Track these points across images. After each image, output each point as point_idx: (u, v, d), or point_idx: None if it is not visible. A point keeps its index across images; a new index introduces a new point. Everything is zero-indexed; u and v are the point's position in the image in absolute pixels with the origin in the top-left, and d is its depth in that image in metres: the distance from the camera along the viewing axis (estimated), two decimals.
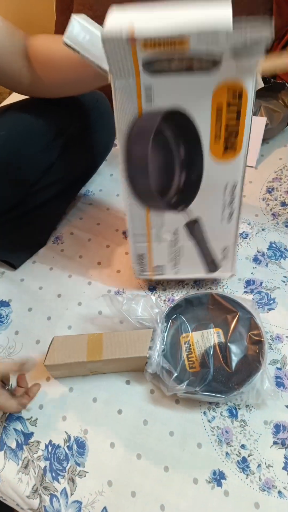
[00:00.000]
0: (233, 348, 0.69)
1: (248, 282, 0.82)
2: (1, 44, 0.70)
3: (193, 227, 0.69)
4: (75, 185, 1.02)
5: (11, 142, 0.82)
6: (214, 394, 0.64)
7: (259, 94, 1.11)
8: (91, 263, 0.91)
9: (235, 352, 0.69)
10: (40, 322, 0.82)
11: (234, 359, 0.68)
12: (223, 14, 0.48)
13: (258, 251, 0.87)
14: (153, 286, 0.85)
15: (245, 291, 0.81)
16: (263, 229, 0.91)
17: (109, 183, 1.07)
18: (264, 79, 1.11)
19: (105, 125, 0.97)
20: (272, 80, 1.11)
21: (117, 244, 0.94)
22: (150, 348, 0.67)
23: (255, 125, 1.05)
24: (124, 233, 0.95)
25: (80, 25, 0.61)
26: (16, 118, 0.84)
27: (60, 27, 1.42)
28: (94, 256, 0.92)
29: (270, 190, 0.99)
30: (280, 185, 0.99)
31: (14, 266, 0.91)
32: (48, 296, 0.86)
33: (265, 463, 0.62)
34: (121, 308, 0.73)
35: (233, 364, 0.67)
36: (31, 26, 1.77)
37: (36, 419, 0.69)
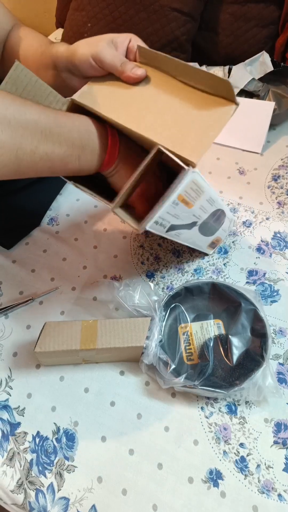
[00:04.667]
0: (235, 341, 0.65)
1: (251, 273, 0.78)
2: None
3: None
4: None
5: None
6: (213, 389, 0.60)
7: (268, 78, 1.06)
8: (87, 246, 0.87)
9: (237, 346, 0.65)
10: (31, 306, 0.77)
11: (236, 353, 0.64)
12: None
13: (262, 241, 0.83)
14: (151, 272, 0.81)
15: (247, 282, 0.77)
16: (267, 218, 0.87)
17: None
18: (274, 62, 1.06)
19: None
20: (282, 64, 1.06)
21: (115, 227, 0.89)
22: (147, 337, 0.63)
23: (262, 110, 1.01)
24: None
25: None
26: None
27: (61, 12, 1.38)
28: (90, 239, 0.88)
29: (276, 178, 0.94)
30: (286, 173, 0.95)
31: (6, 247, 0.87)
32: (41, 279, 0.82)
33: (265, 464, 0.59)
34: (117, 294, 0.69)
35: (234, 358, 0.64)
36: (32, 10, 1.73)
37: (24, 408, 0.66)
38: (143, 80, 0.59)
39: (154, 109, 0.55)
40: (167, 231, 0.59)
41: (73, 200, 0.96)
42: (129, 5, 1.11)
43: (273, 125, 1.03)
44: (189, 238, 0.69)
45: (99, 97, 0.58)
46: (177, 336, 0.68)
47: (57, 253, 0.86)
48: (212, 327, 0.68)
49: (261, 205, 0.90)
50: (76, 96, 0.58)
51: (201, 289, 0.72)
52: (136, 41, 0.60)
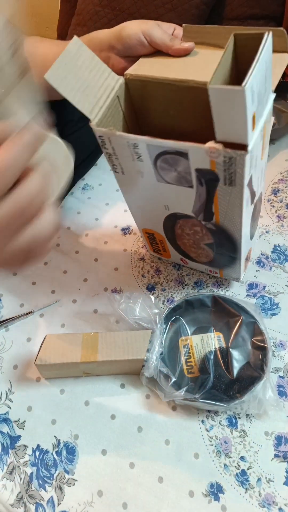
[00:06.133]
0: (235, 354, 0.65)
1: (251, 286, 0.79)
2: None
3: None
4: (73, 175, 0.98)
5: None
6: (214, 402, 0.60)
7: None
8: (87, 259, 0.87)
9: (237, 359, 0.65)
10: (32, 319, 0.78)
11: (236, 366, 0.64)
12: None
13: (261, 254, 0.84)
14: (152, 285, 0.81)
15: (247, 295, 0.77)
16: (267, 231, 0.88)
17: (109, 178, 1.04)
18: None
19: None
20: (281, 79, 1.08)
21: (116, 240, 0.90)
22: (147, 350, 0.63)
23: None
24: (123, 230, 0.92)
25: None
26: None
27: (64, 15, 1.40)
28: (91, 252, 0.88)
29: (275, 192, 0.95)
30: (285, 187, 0.96)
31: None
32: (42, 292, 0.82)
33: (266, 477, 0.58)
34: (118, 307, 0.69)
35: (235, 371, 0.64)
36: (35, 15, 1.76)
37: (24, 421, 0.66)
38: (191, 53, 0.59)
39: (209, 69, 0.55)
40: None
41: (74, 213, 0.97)
42: None
43: (272, 140, 1.05)
44: (246, 222, 0.62)
45: (153, 69, 0.58)
46: (178, 349, 0.68)
47: (58, 266, 0.86)
48: (212, 340, 0.68)
49: (261, 219, 0.90)
50: (130, 71, 0.58)
51: (202, 302, 0.72)
52: (180, 31, 0.61)
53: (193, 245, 0.71)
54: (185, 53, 0.59)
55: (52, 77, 0.48)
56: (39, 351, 0.63)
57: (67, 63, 0.49)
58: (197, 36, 0.60)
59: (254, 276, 0.80)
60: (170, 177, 0.56)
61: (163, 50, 0.59)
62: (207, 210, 0.59)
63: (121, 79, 0.57)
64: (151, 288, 0.81)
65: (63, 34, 1.44)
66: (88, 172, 1.05)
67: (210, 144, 0.47)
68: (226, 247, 0.66)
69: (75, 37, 0.51)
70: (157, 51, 0.61)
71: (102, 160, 1.07)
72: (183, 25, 0.61)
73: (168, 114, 0.61)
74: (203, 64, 0.57)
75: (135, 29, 0.59)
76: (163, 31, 0.59)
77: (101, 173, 1.05)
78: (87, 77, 0.52)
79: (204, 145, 0.47)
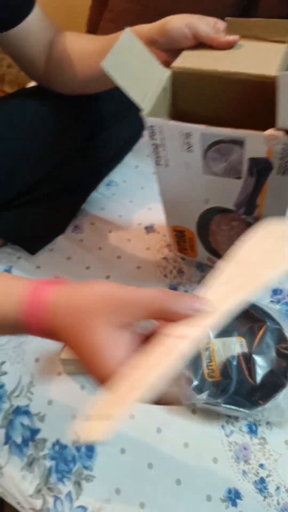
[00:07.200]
0: (259, 360, 0.65)
1: (275, 291, 0.78)
2: (33, 32, 0.71)
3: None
4: (99, 173, 0.99)
5: (37, 121, 0.79)
6: (237, 408, 0.60)
7: None
8: (110, 256, 0.87)
9: (261, 365, 0.65)
10: None
11: (259, 372, 0.64)
12: None
13: None
14: (174, 286, 0.81)
15: (271, 301, 0.77)
16: None
17: (134, 175, 1.03)
18: None
19: (136, 112, 0.93)
20: None
21: (139, 239, 0.90)
22: None
23: None
24: (146, 228, 0.92)
25: None
26: (42, 98, 0.80)
27: (95, 10, 1.40)
28: (114, 249, 0.88)
29: None
30: None
31: (30, 252, 0.88)
32: None
33: (284, 486, 0.58)
34: None
35: (258, 378, 0.63)
36: (64, 8, 1.76)
37: (44, 415, 0.66)
38: (235, 47, 0.59)
39: (258, 62, 0.55)
40: None
41: (98, 209, 0.97)
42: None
43: None
44: None
45: (199, 62, 0.58)
46: (199, 352, 0.68)
47: (81, 261, 0.87)
48: (235, 345, 0.68)
49: None
50: (177, 63, 0.58)
51: None
52: (221, 25, 0.61)
53: (226, 241, 0.70)
54: (229, 46, 0.59)
55: (107, 65, 0.48)
56: (64, 345, 0.63)
57: (121, 52, 0.50)
58: (240, 29, 0.59)
59: (279, 282, 0.79)
60: (218, 168, 0.56)
61: (207, 42, 0.59)
62: (251, 202, 0.59)
63: (168, 71, 0.57)
64: (173, 289, 0.80)
65: (93, 29, 1.43)
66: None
67: (270, 131, 0.47)
68: None
69: (126, 28, 0.51)
70: (198, 44, 0.61)
71: (127, 158, 1.06)
72: (226, 18, 0.60)
73: (208, 106, 0.61)
74: (248, 57, 0.57)
75: (179, 22, 0.59)
76: (207, 24, 0.59)
77: (126, 170, 1.05)
78: (138, 67, 0.53)
79: (263, 132, 0.47)
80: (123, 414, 0.33)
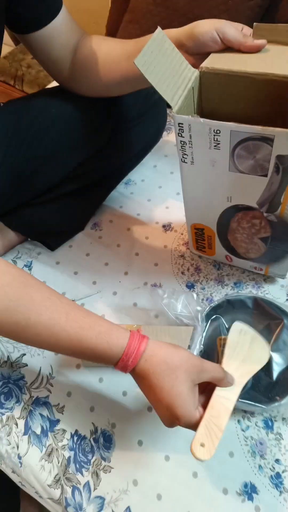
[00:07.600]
0: (276, 356, 0.66)
1: None
2: (60, 33, 0.72)
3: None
4: (119, 172, 1.00)
5: (61, 121, 0.80)
6: (254, 403, 0.60)
7: None
8: (128, 253, 0.88)
9: (278, 362, 0.65)
10: None
11: (276, 369, 0.64)
12: None
13: None
14: (191, 283, 0.82)
15: (287, 299, 0.77)
16: None
17: (152, 174, 1.05)
18: None
19: (157, 114, 0.94)
20: None
21: (156, 237, 0.91)
22: (189, 347, 0.64)
23: None
24: (164, 226, 0.93)
25: None
26: (65, 98, 0.82)
27: (115, 11, 1.41)
28: (133, 246, 0.90)
29: None
30: None
31: (50, 248, 0.89)
32: (83, 282, 0.84)
33: None
34: (161, 302, 0.70)
35: (275, 374, 0.64)
36: (84, 10, 1.77)
37: (63, 406, 0.67)
38: (262, 50, 0.60)
39: (285, 64, 0.56)
40: None
41: (116, 207, 0.98)
42: (182, 22, 1.13)
43: None
44: None
45: (228, 63, 0.59)
46: (215, 348, 0.69)
47: (100, 258, 0.88)
48: None
49: None
50: (206, 64, 0.59)
51: (243, 303, 0.73)
52: (247, 30, 0.62)
53: (245, 239, 0.71)
54: (257, 50, 0.60)
55: (140, 62, 0.49)
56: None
57: (153, 51, 0.51)
58: (268, 34, 0.60)
59: None
60: (245, 165, 0.57)
61: (235, 46, 0.60)
62: (275, 200, 0.60)
63: (196, 72, 0.59)
64: (190, 286, 0.81)
65: (113, 31, 1.45)
66: None
67: None
68: (283, 240, 0.67)
69: (158, 28, 0.53)
70: (226, 49, 0.62)
71: (146, 157, 1.07)
72: (254, 24, 0.61)
73: (235, 106, 0.62)
74: (275, 60, 0.58)
75: (208, 26, 0.60)
76: (235, 29, 0.60)
77: (144, 169, 1.06)
78: (169, 66, 0.54)
79: None
80: (217, 445, 0.49)
